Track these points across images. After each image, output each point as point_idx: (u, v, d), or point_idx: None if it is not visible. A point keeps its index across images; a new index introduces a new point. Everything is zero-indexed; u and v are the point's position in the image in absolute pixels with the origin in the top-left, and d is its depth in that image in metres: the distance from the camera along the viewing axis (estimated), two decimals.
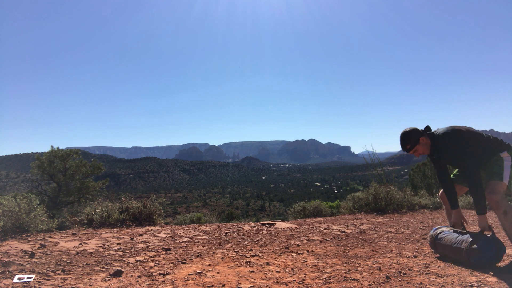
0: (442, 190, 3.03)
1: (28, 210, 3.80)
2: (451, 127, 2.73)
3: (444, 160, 2.85)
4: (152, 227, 4.70)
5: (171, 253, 3.20)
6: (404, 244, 3.58)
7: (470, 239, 2.55)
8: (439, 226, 3.02)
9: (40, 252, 2.93)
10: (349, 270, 2.61)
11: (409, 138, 2.79)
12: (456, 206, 2.88)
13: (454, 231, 2.78)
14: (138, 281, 2.34)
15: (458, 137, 2.67)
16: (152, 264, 2.78)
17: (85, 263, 2.71)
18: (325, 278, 2.41)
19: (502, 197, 2.53)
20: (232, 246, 3.54)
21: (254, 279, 2.40)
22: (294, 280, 2.36)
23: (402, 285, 2.23)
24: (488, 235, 2.54)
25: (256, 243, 3.66)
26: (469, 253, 2.52)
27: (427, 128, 2.86)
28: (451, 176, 2.99)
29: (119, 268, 2.55)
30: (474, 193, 2.59)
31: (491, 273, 2.40)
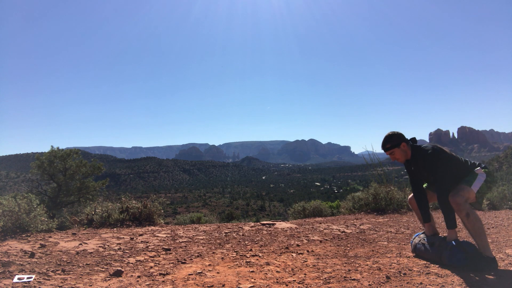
0: (411, 195, 3.07)
1: (28, 210, 3.80)
2: (437, 146, 2.78)
3: (420, 174, 2.88)
4: (152, 227, 4.70)
5: (171, 253, 3.20)
6: (404, 244, 3.58)
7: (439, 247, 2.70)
8: (418, 234, 3.09)
9: (40, 252, 2.93)
10: (349, 270, 2.61)
11: (392, 139, 2.87)
12: (428, 220, 2.94)
13: (428, 241, 2.87)
14: (138, 281, 2.34)
15: (442, 157, 2.70)
16: (152, 264, 2.78)
17: (85, 263, 2.71)
18: (325, 278, 2.41)
19: (464, 200, 2.57)
20: (232, 246, 3.54)
21: (254, 279, 2.40)
22: (294, 280, 2.36)
23: (402, 285, 2.23)
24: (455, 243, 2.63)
25: (256, 243, 3.66)
26: (441, 259, 2.67)
27: (413, 139, 2.93)
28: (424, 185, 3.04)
29: (119, 268, 2.55)
30: (444, 210, 2.65)
31: (492, 273, 2.40)
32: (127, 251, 3.17)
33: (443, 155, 2.70)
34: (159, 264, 2.81)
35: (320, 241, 3.80)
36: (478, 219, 2.56)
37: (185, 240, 3.80)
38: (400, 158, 2.88)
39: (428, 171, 2.75)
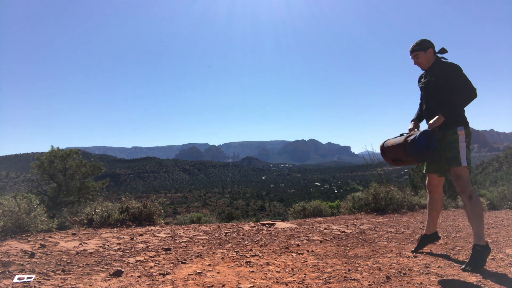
0: (427, 180, 3.07)
1: (28, 210, 3.80)
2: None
3: (432, 86, 2.86)
4: (152, 227, 4.70)
5: (171, 253, 3.20)
6: (404, 244, 3.58)
7: (407, 135, 2.75)
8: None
9: (40, 252, 2.93)
10: (349, 270, 2.61)
11: (422, 42, 2.88)
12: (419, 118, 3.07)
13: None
14: (138, 281, 2.34)
15: (462, 73, 2.71)
16: (152, 264, 2.78)
17: (85, 263, 2.71)
18: (325, 278, 2.41)
19: (467, 182, 2.61)
20: (232, 246, 3.54)
21: (254, 279, 2.40)
22: (294, 280, 2.36)
23: (402, 285, 2.23)
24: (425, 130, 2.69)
25: (256, 243, 3.66)
26: (405, 145, 2.68)
27: (442, 49, 2.89)
28: (423, 170, 3.07)
29: (119, 268, 2.55)
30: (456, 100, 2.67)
31: (492, 273, 2.40)
32: (127, 251, 3.17)
33: (463, 74, 2.70)
34: (159, 264, 2.81)
35: (320, 241, 3.80)
36: (479, 203, 2.59)
37: (185, 240, 3.80)
38: (423, 63, 2.88)
39: (444, 81, 2.74)
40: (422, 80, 2.99)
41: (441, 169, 2.88)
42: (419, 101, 3.14)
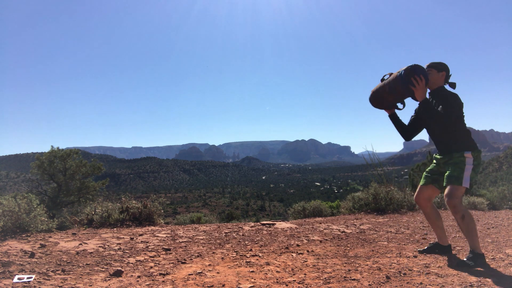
0: (417, 192, 3.07)
1: (28, 210, 3.80)
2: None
3: (427, 111, 2.87)
4: (152, 227, 4.70)
5: (171, 253, 3.20)
6: (404, 244, 3.58)
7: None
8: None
9: (40, 252, 2.93)
10: (349, 270, 2.61)
11: (440, 64, 2.90)
12: (408, 136, 3.10)
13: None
14: (138, 281, 2.34)
15: (459, 101, 2.76)
16: (152, 264, 2.78)
17: (85, 263, 2.71)
18: (325, 278, 2.41)
19: (459, 202, 2.61)
20: (232, 246, 3.54)
21: (254, 279, 2.40)
22: (294, 280, 2.36)
23: (402, 285, 2.23)
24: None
25: (256, 243, 3.66)
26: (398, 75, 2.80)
27: (453, 83, 2.92)
28: (422, 178, 3.07)
29: (119, 268, 2.55)
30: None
31: (491, 273, 2.40)
32: (127, 251, 3.17)
33: (459, 102, 2.75)
34: (159, 264, 2.81)
35: (320, 241, 3.79)
36: (472, 220, 2.62)
37: (185, 240, 3.80)
38: (430, 81, 2.89)
39: (439, 104, 2.77)
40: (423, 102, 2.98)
41: (440, 184, 2.93)
42: (411, 119, 3.11)
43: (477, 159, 2.74)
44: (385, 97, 2.94)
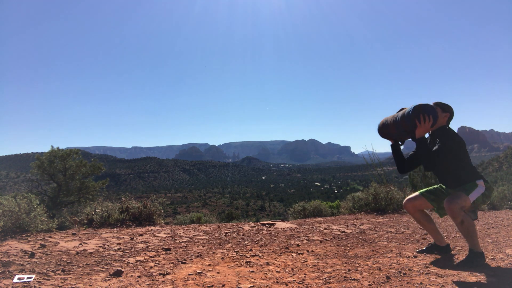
0: (410, 198, 3.04)
1: (28, 210, 3.80)
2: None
3: (433, 149, 2.85)
4: (152, 227, 4.70)
5: (171, 253, 3.20)
6: (404, 244, 3.58)
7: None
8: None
9: (40, 252, 2.93)
10: (349, 270, 2.61)
11: (445, 105, 2.89)
12: (404, 170, 3.04)
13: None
14: (138, 281, 2.34)
15: (458, 139, 2.75)
16: (152, 264, 2.78)
17: (85, 263, 2.71)
18: (325, 278, 2.41)
19: (459, 207, 2.58)
20: (232, 246, 3.54)
21: (254, 279, 2.40)
22: (294, 280, 2.36)
23: (402, 285, 2.23)
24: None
25: (256, 243, 3.66)
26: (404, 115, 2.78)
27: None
28: (426, 189, 3.04)
29: (119, 268, 2.55)
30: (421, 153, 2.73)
31: (491, 273, 2.40)
32: (127, 251, 3.17)
33: (459, 139, 2.74)
34: (159, 264, 2.81)
35: (320, 241, 3.79)
36: (471, 224, 2.61)
37: (185, 240, 3.80)
38: (438, 121, 2.87)
39: (439, 141, 2.76)
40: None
41: (439, 205, 2.90)
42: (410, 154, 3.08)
43: (489, 190, 2.72)
44: (390, 128, 2.92)
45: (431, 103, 2.92)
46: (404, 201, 3.08)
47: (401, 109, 2.91)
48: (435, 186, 3.05)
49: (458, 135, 2.79)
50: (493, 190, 2.80)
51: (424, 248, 3.18)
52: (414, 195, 3.05)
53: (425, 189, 3.04)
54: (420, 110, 2.68)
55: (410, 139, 2.94)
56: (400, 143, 3.06)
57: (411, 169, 3.05)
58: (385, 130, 2.99)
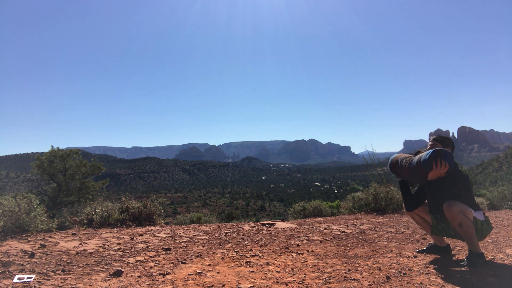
0: (407, 207, 3.03)
1: (28, 210, 3.80)
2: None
3: (433, 186, 2.85)
4: (152, 227, 4.70)
5: (171, 253, 3.20)
6: (404, 244, 3.58)
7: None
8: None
9: (40, 252, 2.93)
10: (349, 270, 2.61)
11: (447, 139, 2.91)
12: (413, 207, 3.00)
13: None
14: (138, 281, 2.34)
15: (465, 176, 2.77)
16: (152, 264, 2.78)
17: (85, 263, 2.71)
18: (325, 278, 2.41)
19: (459, 211, 2.57)
20: (232, 246, 3.54)
21: (254, 279, 2.40)
22: (294, 280, 2.36)
23: (402, 285, 2.23)
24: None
25: (256, 243, 3.66)
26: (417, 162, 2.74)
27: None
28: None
29: (119, 268, 2.55)
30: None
31: (491, 273, 2.40)
32: (127, 251, 3.17)
33: (466, 179, 2.75)
34: (159, 264, 2.81)
35: (320, 241, 3.79)
36: (470, 226, 2.60)
37: (185, 240, 3.80)
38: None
39: (448, 183, 2.74)
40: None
41: (438, 222, 2.87)
42: (418, 189, 3.06)
43: (488, 223, 2.72)
44: (403, 170, 2.89)
45: (431, 138, 2.93)
46: (407, 210, 3.06)
47: (418, 152, 2.86)
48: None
49: (464, 175, 2.77)
50: (490, 229, 2.76)
51: (424, 248, 3.18)
52: (415, 212, 3.02)
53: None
54: (438, 155, 2.64)
55: (419, 184, 2.91)
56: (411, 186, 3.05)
57: (420, 204, 3.01)
58: (398, 170, 2.96)
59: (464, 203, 2.65)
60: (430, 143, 2.96)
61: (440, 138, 2.92)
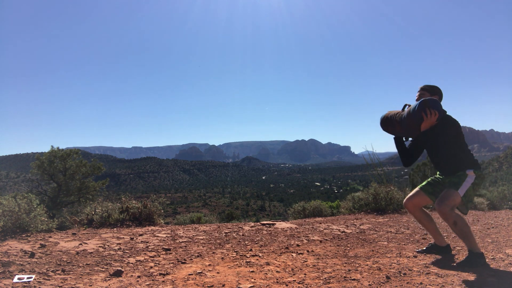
0: (410, 196, 3.04)
1: (28, 210, 3.80)
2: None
3: (426, 137, 2.88)
4: (152, 227, 4.70)
5: (171, 253, 3.20)
6: (404, 244, 3.58)
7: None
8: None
9: (40, 252, 2.93)
10: (349, 270, 2.61)
11: (433, 87, 2.93)
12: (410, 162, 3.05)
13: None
14: (138, 281, 2.34)
15: (458, 124, 2.80)
16: (152, 264, 2.78)
17: (85, 263, 2.71)
18: (325, 278, 2.41)
19: (450, 209, 2.59)
20: (232, 246, 3.54)
21: (254, 279, 2.40)
22: (294, 280, 2.36)
23: (402, 285, 2.23)
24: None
25: (256, 243, 3.66)
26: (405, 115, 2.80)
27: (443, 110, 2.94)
28: (425, 183, 3.04)
29: (119, 268, 2.55)
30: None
31: (491, 273, 2.40)
32: (127, 251, 3.17)
33: (457, 125, 2.78)
34: (159, 264, 2.81)
35: (320, 241, 3.79)
36: (465, 224, 2.62)
37: (185, 240, 3.80)
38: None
39: (441, 130, 2.78)
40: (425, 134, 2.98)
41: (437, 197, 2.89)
42: (411, 144, 3.11)
43: (479, 178, 2.74)
44: (395, 126, 2.91)
45: (418, 88, 2.94)
46: (404, 200, 3.07)
47: (405, 105, 2.91)
48: (432, 177, 3.06)
49: (455, 120, 2.79)
50: (484, 179, 2.79)
51: (424, 248, 3.18)
52: (413, 192, 3.05)
53: (423, 183, 3.05)
54: (426, 105, 2.69)
55: (411, 138, 2.94)
56: (404, 139, 3.06)
57: (416, 157, 3.06)
58: (390, 127, 2.98)
59: (460, 152, 2.74)
60: (418, 93, 2.97)
61: (427, 87, 2.93)
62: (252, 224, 5.11)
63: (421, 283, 2.24)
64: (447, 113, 2.83)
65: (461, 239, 2.71)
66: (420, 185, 3.04)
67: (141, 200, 5.34)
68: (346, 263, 2.83)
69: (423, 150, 3.05)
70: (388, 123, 2.97)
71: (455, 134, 2.76)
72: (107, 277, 2.41)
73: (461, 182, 2.68)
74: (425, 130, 2.79)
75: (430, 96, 2.87)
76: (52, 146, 9.49)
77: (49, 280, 2.27)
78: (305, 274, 2.52)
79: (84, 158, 10.19)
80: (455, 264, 2.67)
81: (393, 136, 3.06)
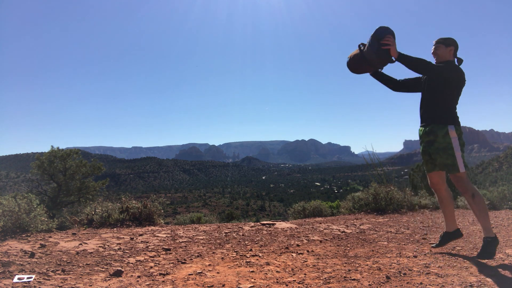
0: (429, 180, 3.09)
1: (28, 210, 3.80)
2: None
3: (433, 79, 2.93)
4: (152, 227, 4.70)
5: (171, 253, 3.20)
6: (404, 244, 3.58)
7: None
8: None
9: (40, 252, 2.93)
10: (349, 270, 2.61)
11: (448, 39, 2.93)
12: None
13: None
14: (138, 281, 2.34)
15: (460, 73, 2.81)
16: (152, 264, 2.78)
17: (85, 263, 2.71)
18: (325, 278, 2.41)
19: (467, 182, 2.70)
20: (232, 246, 3.54)
21: (254, 279, 2.40)
22: (294, 280, 2.36)
23: (402, 285, 2.23)
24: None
25: (256, 243, 3.66)
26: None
27: (460, 59, 2.96)
28: (424, 163, 3.10)
29: (119, 268, 2.55)
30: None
31: (491, 273, 2.40)
32: (127, 251, 3.17)
33: (460, 75, 2.79)
34: (159, 264, 2.81)
35: (320, 241, 3.79)
36: (482, 199, 2.68)
37: (185, 240, 3.80)
38: (439, 55, 2.93)
39: (442, 76, 2.81)
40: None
41: (438, 167, 2.94)
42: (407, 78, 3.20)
43: (461, 138, 2.80)
44: (362, 63, 3.02)
45: (433, 42, 2.98)
46: (430, 185, 3.09)
47: (360, 45, 3.01)
48: (422, 154, 3.07)
49: (461, 71, 2.82)
50: (462, 133, 2.84)
51: (437, 242, 3.20)
52: (429, 178, 3.07)
53: (425, 166, 3.09)
54: (378, 38, 2.79)
55: (388, 63, 3.00)
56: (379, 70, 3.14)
57: (405, 88, 3.12)
58: (357, 66, 3.07)
59: (444, 107, 2.79)
60: (433, 47, 2.99)
61: (441, 40, 2.96)
62: (252, 224, 5.11)
63: (421, 283, 2.24)
64: (456, 65, 2.87)
65: (476, 218, 2.74)
66: (426, 170, 3.09)
67: (141, 200, 5.34)
68: (346, 263, 2.83)
69: (419, 88, 3.08)
70: (354, 64, 3.07)
71: (451, 80, 2.77)
72: (107, 277, 2.41)
73: (455, 159, 2.72)
74: (424, 76, 2.89)
75: (445, 47, 2.91)
76: (52, 146, 9.50)
77: (49, 280, 2.27)
78: (305, 274, 2.52)
79: (84, 158, 10.20)
80: (455, 264, 2.67)
81: (370, 73, 3.16)
